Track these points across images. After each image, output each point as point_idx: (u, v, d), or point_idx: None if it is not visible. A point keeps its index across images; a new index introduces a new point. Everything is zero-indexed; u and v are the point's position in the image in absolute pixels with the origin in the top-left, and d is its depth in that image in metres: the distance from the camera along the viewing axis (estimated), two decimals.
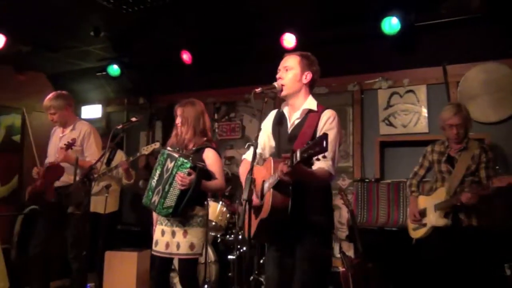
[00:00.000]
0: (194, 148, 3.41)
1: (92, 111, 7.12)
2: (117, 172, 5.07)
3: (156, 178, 3.34)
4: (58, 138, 4.29)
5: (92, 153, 4.18)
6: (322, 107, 2.63)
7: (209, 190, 3.48)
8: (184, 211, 3.24)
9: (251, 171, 2.31)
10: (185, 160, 3.20)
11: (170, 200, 3.20)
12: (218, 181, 3.39)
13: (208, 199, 4.65)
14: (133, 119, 3.72)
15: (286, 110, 2.72)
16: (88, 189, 3.73)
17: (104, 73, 6.17)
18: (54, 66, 6.41)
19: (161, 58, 5.87)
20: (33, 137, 5.83)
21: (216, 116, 6.22)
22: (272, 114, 2.82)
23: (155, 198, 3.29)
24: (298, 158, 2.15)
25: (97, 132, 4.38)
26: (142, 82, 6.55)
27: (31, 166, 6.23)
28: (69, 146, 4.11)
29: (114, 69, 6.07)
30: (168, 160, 3.29)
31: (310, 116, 2.58)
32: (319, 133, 2.51)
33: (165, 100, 6.51)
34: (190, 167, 3.17)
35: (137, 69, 6.25)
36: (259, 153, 2.78)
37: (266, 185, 2.47)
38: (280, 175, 2.26)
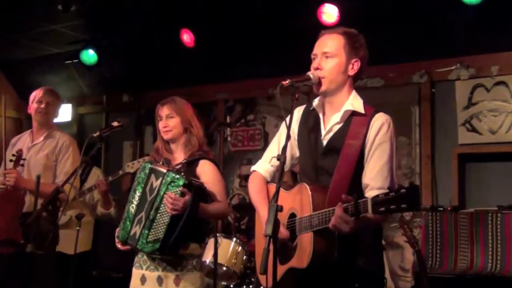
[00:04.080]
0: (184, 161, 3.45)
1: (59, 112, 7.21)
2: (92, 197, 5.11)
3: (135, 202, 3.35)
4: (26, 149, 4.40)
5: (66, 171, 4.26)
6: (371, 108, 2.61)
7: (209, 216, 3.47)
8: (175, 247, 3.26)
9: (276, 196, 2.30)
10: (177, 176, 3.21)
11: (157, 231, 3.21)
12: (220, 204, 3.40)
13: (218, 234, 4.71)
14: (115, 123, 3.74)
15: (319, 107, 2.71)
16: (53, 221, 3.77)
17: (75, 60, 6.26)
18: (8, 51, 6.54)
19: (153, 40, 5.93)
20: None
21: (228, 119, 6.24)
22: (299, 111, 2.82)
23: (136, 230, 3.28)
24: (370, 210, 2.17)
25: (77, 147, 4.48)
26: (127, 73, 6.63)
27: None
28: (18, 160, 4.17)
29: (89, 56, 6.15)
30: (153, 177, 3.31)
31: (355, 122, 2.58)
32: (369, 147, 2.52)
33: (157, 97, 6.51)
34: (184, 185, 3.18)
35: (120, 55, 6.33)
36: (275, 165, 2.79)
37: (302, 223, 2.50)
38: (335, 225, 2.29)
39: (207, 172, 3.42)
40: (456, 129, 5.23)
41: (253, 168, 2.92)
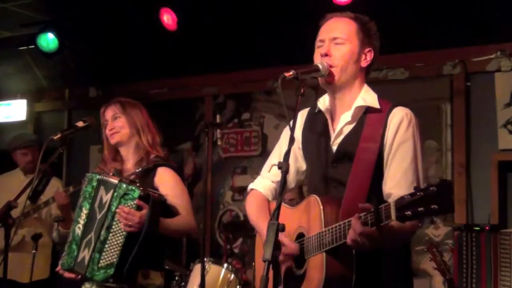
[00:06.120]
0: (139, 170, 3.49)
1: (11, 110, 7.18)
2: (49, 212, 5.10)
3: (82, 221, 3.39)
4: None
5: None
6: (387, 103, 2.63)
7: (172, 233, 3.52)
8: (132, 272, 3.27)
9: (276, 212, 2.30)
10: (131, 187, 3.26)
11: (110, 254, 3.24)
12: (184, 219, 3.46)
13: (206, 259, 4.69)
14: (80, 123, 3.76)
15: (325, 107, 2.73)
16: (6, 243, 3.77)
17: (31, 46, 6.24)
18: None
19: (126, 21, 5.93)
20: None
21: (218, 119, 6.23)
22: (302, 115, 2.83)
23: (84, 254, 3.32)
24: (393, 216, 2.14)
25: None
26: (95, 62, 6.62)
27: None
28: None
29: (48, 41, 6.14)
30: (102, 190, 3.37)
31: (370, 120, 2.59)
32: (388, 149, 2.52)
33: (131, 92, 6.55)
34: (140, 197, 3.23)
35: (86, 40, 6.33)
36: (276, 180, 2.78)
37: (310, 243, 2.49)
38: (354, 240, 2.27)
39: (167, 181, 3.49)
40: (496, 131, 5.23)
41: (250, 186, 2.93)
